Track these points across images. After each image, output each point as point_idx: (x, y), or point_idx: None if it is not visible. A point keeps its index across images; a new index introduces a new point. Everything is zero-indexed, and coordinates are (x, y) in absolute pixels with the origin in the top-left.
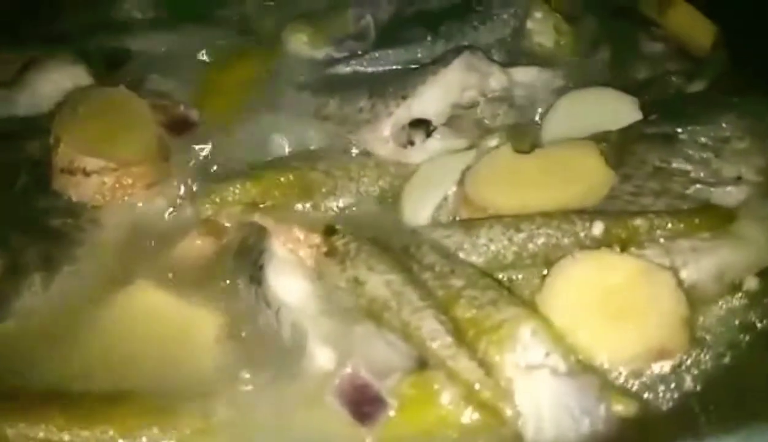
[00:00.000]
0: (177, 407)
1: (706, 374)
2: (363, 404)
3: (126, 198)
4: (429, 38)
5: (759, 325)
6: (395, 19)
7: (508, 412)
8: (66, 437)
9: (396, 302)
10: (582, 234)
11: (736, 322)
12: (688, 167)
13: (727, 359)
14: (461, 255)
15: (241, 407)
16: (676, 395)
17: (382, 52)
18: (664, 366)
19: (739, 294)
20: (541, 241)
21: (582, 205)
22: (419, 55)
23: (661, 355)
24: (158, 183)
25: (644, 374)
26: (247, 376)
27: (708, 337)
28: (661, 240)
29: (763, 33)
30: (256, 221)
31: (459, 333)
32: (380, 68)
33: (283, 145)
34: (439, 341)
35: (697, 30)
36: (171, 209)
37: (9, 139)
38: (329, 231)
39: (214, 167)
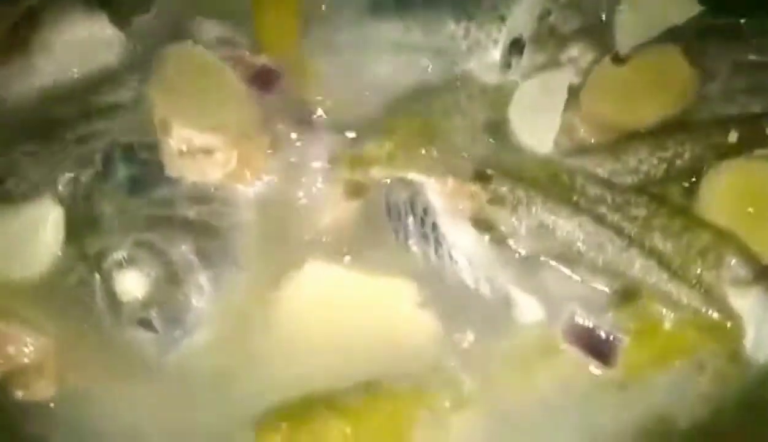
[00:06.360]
0: (422, 385)
1: None
2: (598, 345)
3: (250, 172)
4: None
5: None
6: None
7: (730, 325)
8: None
9: (595, 244)
10: (719, 142)
11: None
12: (765, 58)
13: None
14: (615, 180)
15: (478, 369)
16: None
17: None
18: None
19: None
20: (687, 155)
21: (679, 109)
22: None
23: None
24: (276, 150)
25: None
26: (470, 338)
27: None
28: None
29: None
30: (404, 177)
31: (665, 263)
32: None
33: (386, 86)
34: (655, 277)
35: None
36: (302, 177)
37: (72, 123)
38: (482, 177)
39: (321, 120)
